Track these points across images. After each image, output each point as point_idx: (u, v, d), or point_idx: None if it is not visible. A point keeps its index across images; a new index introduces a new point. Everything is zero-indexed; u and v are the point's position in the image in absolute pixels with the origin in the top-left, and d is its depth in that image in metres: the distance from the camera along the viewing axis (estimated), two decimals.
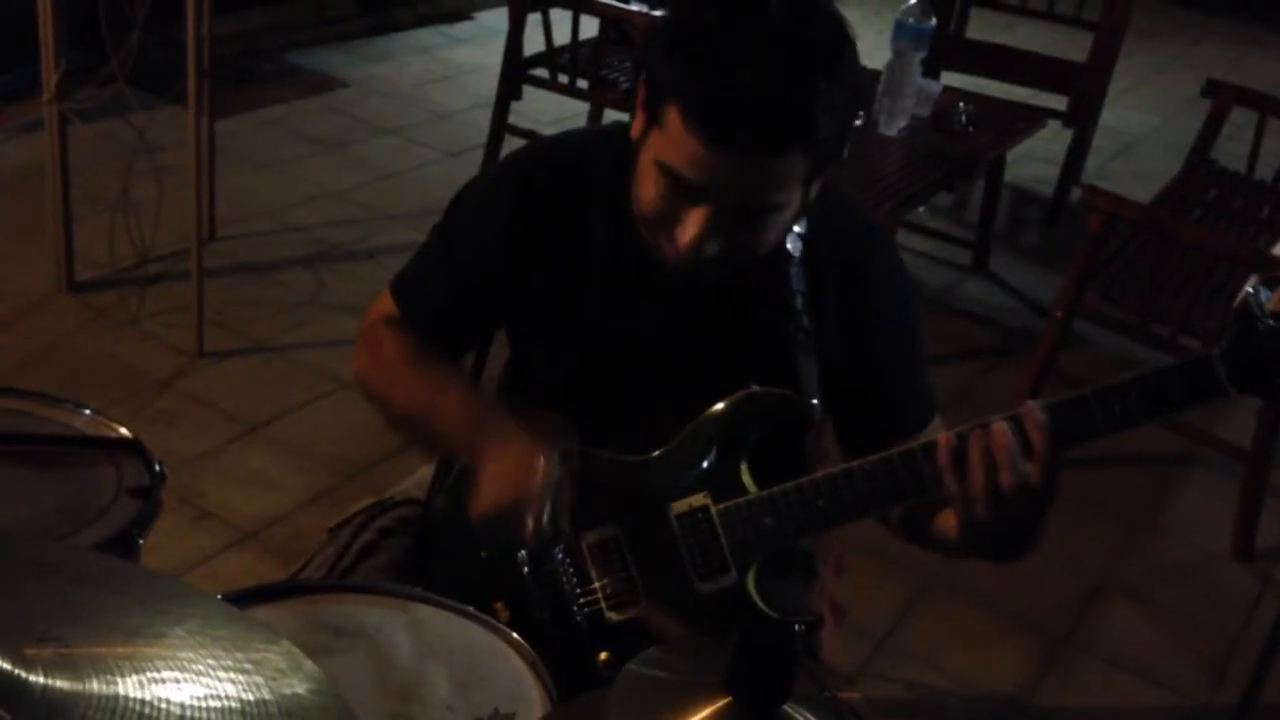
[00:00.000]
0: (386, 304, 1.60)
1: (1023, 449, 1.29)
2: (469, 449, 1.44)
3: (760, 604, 1.41)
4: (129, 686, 0.74)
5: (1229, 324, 1.28)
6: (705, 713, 1.00)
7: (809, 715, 1.01)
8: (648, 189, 1.36)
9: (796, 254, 1.47)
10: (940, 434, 1.34)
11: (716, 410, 1.44)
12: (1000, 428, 1.30)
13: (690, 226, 1.33)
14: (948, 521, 1.41)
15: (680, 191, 1.33)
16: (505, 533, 1.39)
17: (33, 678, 0.73)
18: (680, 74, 1.29)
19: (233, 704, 0.76)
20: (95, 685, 0.74)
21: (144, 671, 0.76)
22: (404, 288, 1.60)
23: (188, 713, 0.74)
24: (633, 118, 1.40)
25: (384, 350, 1.57)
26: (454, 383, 1.53)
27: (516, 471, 1.38)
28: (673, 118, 1.29)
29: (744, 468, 1.43)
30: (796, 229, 1.47)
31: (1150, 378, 1.29)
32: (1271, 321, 1.25)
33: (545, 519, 1.36)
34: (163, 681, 0.76)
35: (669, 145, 1.31)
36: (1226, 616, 2.87)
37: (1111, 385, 1.30)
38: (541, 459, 1.39)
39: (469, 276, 1.54)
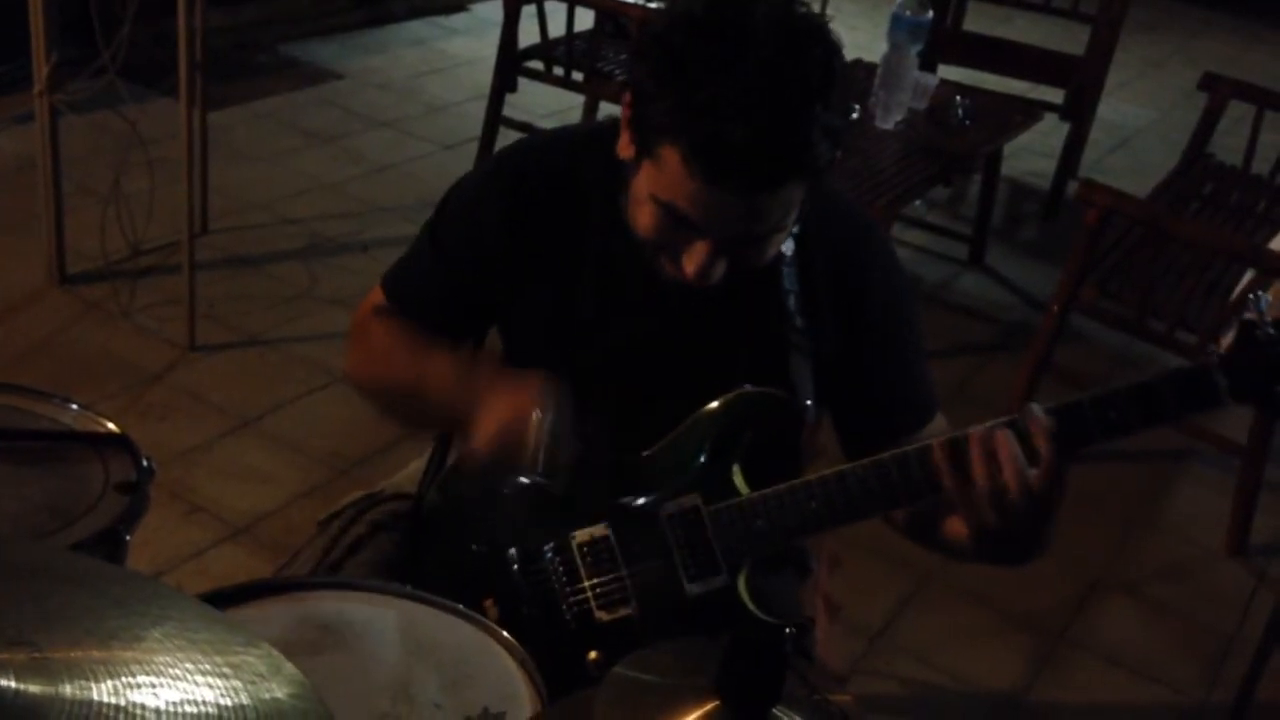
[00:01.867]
0: (376, 298, 1.59)
1: (1026, 453, 1.28)
2: (463, 399, 1.40)
3: (751, 606, 1.40)
4: (104, 692, 0.73)
5: (1227, 323, 1.27)
6: (694, 715, 0.99)
7: (798, 717, 1.00)
8: (644, 218, 1.35)
9: (789, 253, 1.46)
10: (936, 438, 1.32)
11: (709, 410, 1.43)
12: (1003, 433, 1.29)
13: (695, 257, 1.34)
14: (955, 525, 1.39)
15: (680, 225, 1.32)
16: (508, 466, 1.35)
17: (4, 682, 0.71)
18: (674, 115, 1.27)
19: (210, 710, 0.75)
20: (69, 690, 0.72)
21: (119, 676, 0.75)
22: (395, 283, 1.59)
23: (163, 718, 0.73)
24: (621, 130, 1.38)
25: (373, 337, 1.57)
26: (439, 346, 1.51)
27: (512, 402, 1.36)
28: (669, 156, 1.28)
29: (736, 469, 1.42)
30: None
31: (1148, 386, 1.27)
32: (1271, 330, 1.24)
33: (546, 441, 1.33)
34: (138, 686, 0.74)
35: (666, 182, 1.30)
36: (1222, 613, 2.86)
37: (1108, 392, 1.28)
38: (536, 387, 1.37)
39: (460, 274, 1.53)
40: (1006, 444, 1.28)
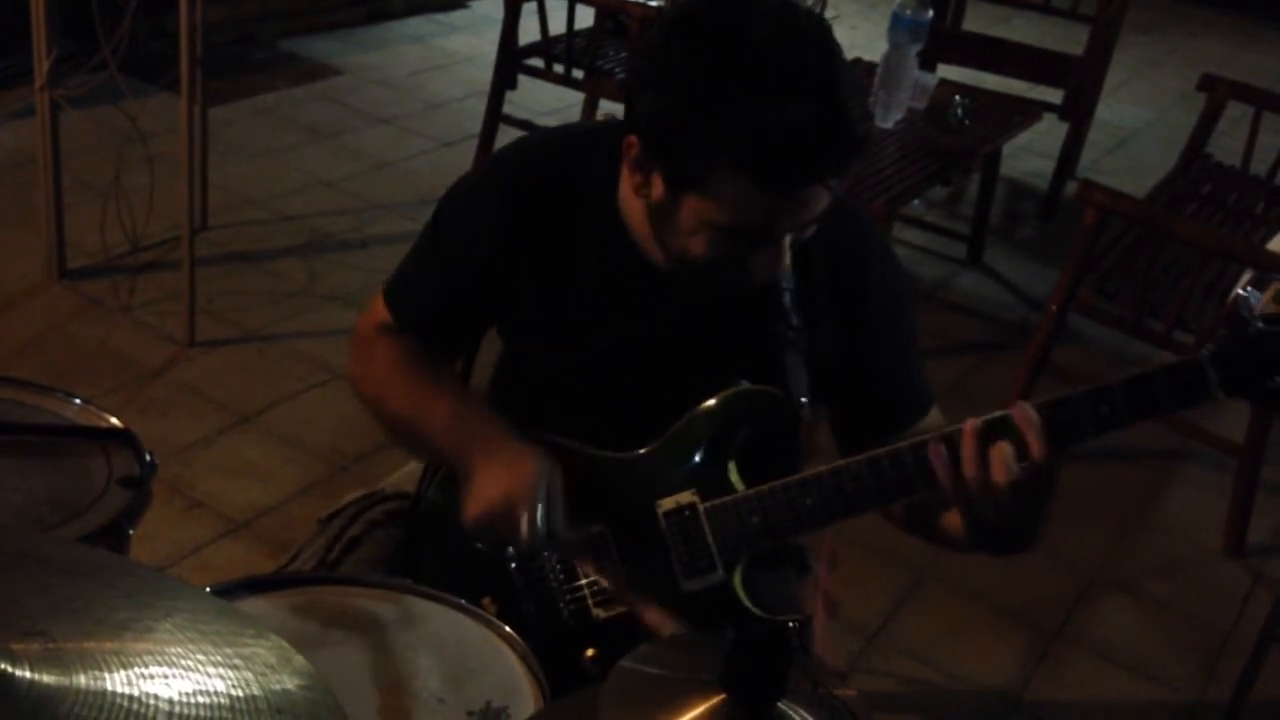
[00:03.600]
0: (379, 309, 1.60)
1: (1016, 449, 1.28)
2: (459, 455, 1.45)
3: (746, 602, 1.40)
4: (117, 682, 0.74)
5: (1220, 325, 1.28)
6: (699, 710, 0.99)
7: (803, 712, 1.00)
8: (700, 247, 1.34)
9: None
10: (930, 433, 1.33)
11: (704, 408, 1.43)
12: (994, 428, 1.30)
13: (775, 260, 1.35)
14: (951, 517, 1.40)
15: (749, 238, 1.33)
16: (499, 535, 1.39)
17: (20, 673, 0.72)
18: (728, 139, 1.25)
19: (221, 700, 0.75)
20: (83, 681, 0.73)
21: (132, 667, 0.75)
22: (396, 291, 1.59)
23: (176, 709, 0.74)
24: (630, 173, 1.37)
25: (377, 357, 1.57)
26: (445, 389, 1.54)
27: (507, 473, 1.38)
28: (732, 182, 1.27)
29: (732, 466, 1.42)
30: None
31: (1139, 380, 1.28)
32: (1261, 324, 1.24)
33: (539, 519, 1.36)
34: (151, 677, 0.75)
35: (730, 207, 1.29)
36: (1218, 612, 2.87)
37: (1099, 387, 1.29)
38: (531, 460, 1.40)
39: (460, 277, 1.53)
40: (998, 440, 1.29)
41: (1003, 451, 1.28)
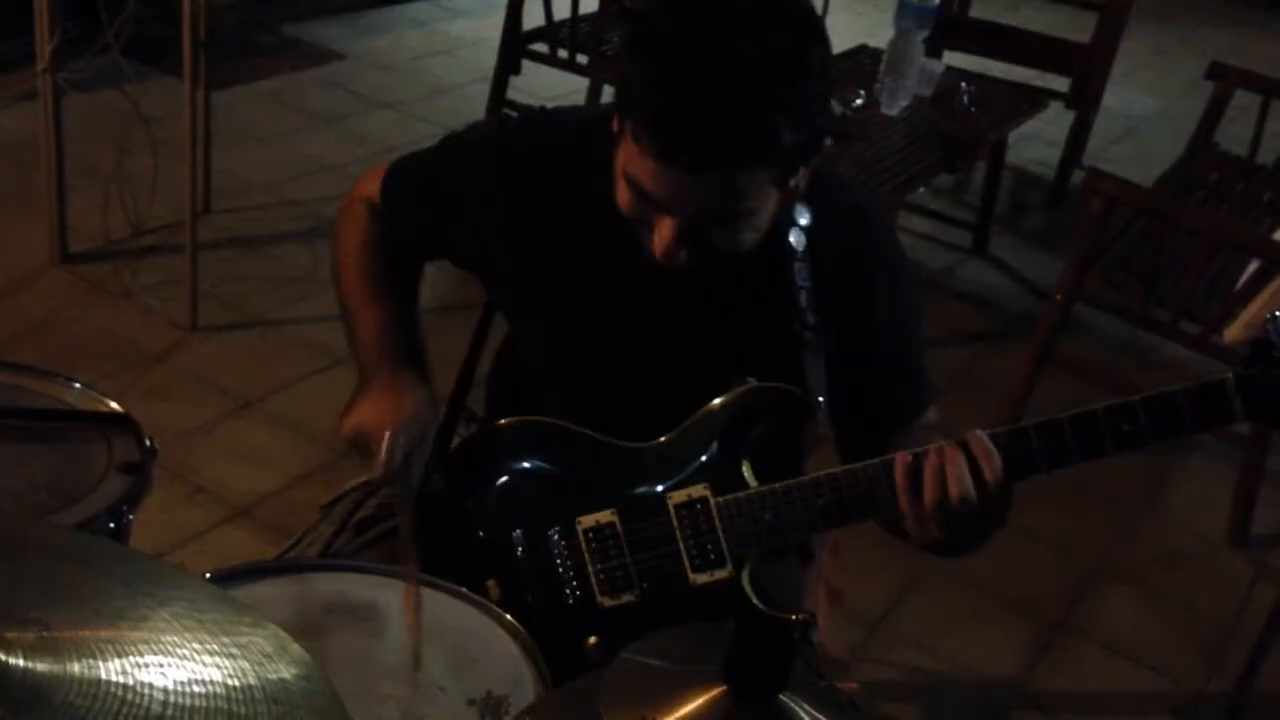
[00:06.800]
0: (374, 184, 1.63)
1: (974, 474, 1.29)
2: (366, 367, 1.51)
3: (754, 599, 1.39)
4: (111, 671, 0.73)
5: (1230, 314, 1.27)
6: (700, 701, 0.99)
7: (805, 704, 1.00)
8: (621, 194, 1.36)
9: (801, 248, 1.45)
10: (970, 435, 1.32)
11: (721, 402, 1.42)
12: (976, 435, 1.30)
13: (662, 233, 1.33)
14: None
15: (646, 201, 1.32)
16: (359, 453, 1.42)
17: (13, 661, 0.71)
18: (634, 88, 1.28)
19: (217, 689, 0.75)
20: (76, 670, 0.72)
21: (127, 655, 0.75)
22: (390, 186, 1.62)
23: (171, 698, 0.73)
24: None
25: (351, 229, 1.63)
26: (386, 299, 1.58)
27: (389, 400, 1.43)
28: (631, 128, 1.29)
29: (746, 462, 1.41)
30: (801, 221, 1.45)
31: (1162, 399, 1.27)
32: None
33: (398, 451, 1.38)
34: (146, 666, 0.74)
35: (631, 157, 1.31)
36: (1222, 603, 2.87)
37: (1121, 404, 1.28)
38: (415, 400, 1.43)
39: (439, 233, 1.58)
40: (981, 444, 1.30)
41: (960, 476, 1.29)
